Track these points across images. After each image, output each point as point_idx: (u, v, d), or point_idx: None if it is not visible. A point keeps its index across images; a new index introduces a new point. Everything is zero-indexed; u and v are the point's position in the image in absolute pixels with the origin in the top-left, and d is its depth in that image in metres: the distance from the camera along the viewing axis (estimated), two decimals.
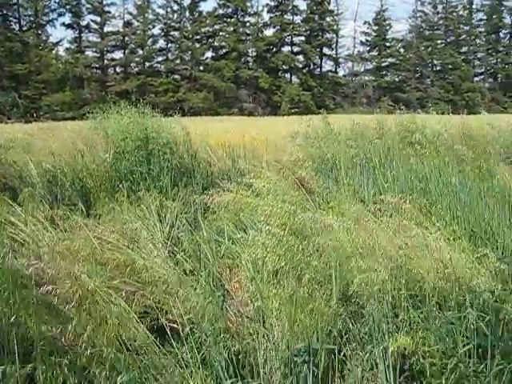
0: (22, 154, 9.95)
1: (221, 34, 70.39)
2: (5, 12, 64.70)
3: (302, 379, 3.19)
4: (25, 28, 65.88)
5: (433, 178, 7.60)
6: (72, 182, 8.76)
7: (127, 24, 67.81)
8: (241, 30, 70.49)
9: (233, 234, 5.36)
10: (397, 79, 72.66)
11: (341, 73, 75.55)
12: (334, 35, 73.23)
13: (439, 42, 75.03)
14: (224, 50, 70.18)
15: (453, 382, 3.12)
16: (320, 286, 3.47)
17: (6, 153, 10.30)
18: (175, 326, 3.62)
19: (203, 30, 69.53)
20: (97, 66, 68.08)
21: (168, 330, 3.55)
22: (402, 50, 74.26)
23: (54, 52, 66.73)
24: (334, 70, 74.45)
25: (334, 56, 73.92)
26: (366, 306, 3.43)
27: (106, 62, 68.44)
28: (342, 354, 3.38)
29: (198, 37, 69.77)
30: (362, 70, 75.51)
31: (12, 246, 5.36)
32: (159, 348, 3.44)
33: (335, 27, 72.80)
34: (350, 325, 3.50)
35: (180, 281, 4.17)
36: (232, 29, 69.91)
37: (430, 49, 73.38)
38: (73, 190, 8.58)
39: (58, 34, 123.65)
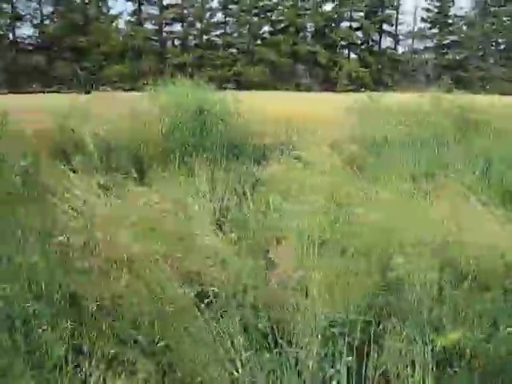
0: (79, 123, 10.18)
1: (279, 7, 69.64)
2: None
3: (337, 350, 3.20)
4: (86, 1, 66.81)
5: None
6: (126, 150, 8.91)
7: None
8: (300, 4, 69.56)
9: (280, 205, 5.37)
10: (458, 57, 70.48)
11: (400, 50, 73.84)
12: (394, 11, 71.40)
13: (505, 18, 72.18)
14: (282, 25, 69.46)
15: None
16: (363, 258, 3.46)
17: (64, 121, 10.56)
18: (218, 292, 3.67)
19: (262, 3, 68.92)
20: (155, 38, 68.55)
21: (211, 297, 3.61)
22: (464, 28, 71.87)
23: (114, 24, 67.50)
24: (393, 46, 72.79)
25: (394, 33, 72.18)
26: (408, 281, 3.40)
27: (164, 34, 68.83)
28: (380, 327, 3.37)
29: (256, 10, 69.24)
30: (422, 47, 73.53)
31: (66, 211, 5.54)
32: (201, 314, 3.50)
33: (395, 3, 70.90)
34: (391, 299, 3.48)
35: (225, 249, 4.23)
36: (291, 3, 69.06)
37: (494, 26, 70.74)
38: (127, 159, 8.73)
39: (119, 6, 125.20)
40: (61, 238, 4.21)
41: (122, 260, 3.99)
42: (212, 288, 3.66)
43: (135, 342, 3.40)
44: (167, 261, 3.87)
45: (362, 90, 42.56)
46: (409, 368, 3.18)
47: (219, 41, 69.55)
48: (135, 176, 7.43)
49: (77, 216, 5.48)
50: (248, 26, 68.48)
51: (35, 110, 12.07)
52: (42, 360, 3.20)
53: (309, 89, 57.51)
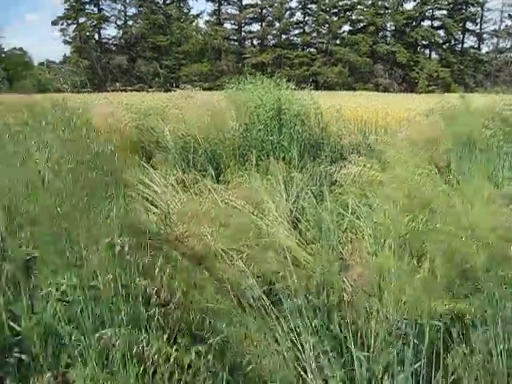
0: (159, 121, 10.39)
1: (359, 7, 69.04)
2: None
3: (407, 355, 3.14)
4: (168, 1, 68.45)
5: None
6: (204, 148, 9.04)
7: None
8: (379, 3, 68.66)
9: (357, 207, 5.30)
10: None
11: (484, 49, 71.51)
12: (479, 8, 69.17)
13: None
14: (361, 24, 68.85)
15: None
16: (442, 263, 3.35)
17: (145, 119, 10.83)
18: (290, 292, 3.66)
19: (341, 3, 68.55)
20: (234, 38, 69.45)
21: (283, 297, 3.60)
22: None
23: (194, 24, 68.90)
24: (476, 46, 70.57)
25: (478, 31, 69.99)
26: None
27: (243, 34, 69.64)
28: (455, 333, 3.27)
29: (335, 10, 68.93)
30: (509, 45, 70.89)
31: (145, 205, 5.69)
32: (273, 311, 3.50)
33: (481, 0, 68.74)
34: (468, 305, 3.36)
35: (300, 248, 4.21)
36: (370, 2, 68.28)
37: None
38: (204, 157, 8.86)
39: (199, 6, 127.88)
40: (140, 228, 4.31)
41: (198, 254, 4.05)
42: (284, 287, 3.65)
43: (202, 339, 3.44)
44: (241, 257, 3.90)
45: (443, 90, 41.42)
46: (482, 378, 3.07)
47: (298, 40, 69.62)
48: (212, 174, 7.54)
49: (154, 210, 5.63)
50: (327, 26, 68.16)
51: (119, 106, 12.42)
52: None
53: (387, 89, 56.56)
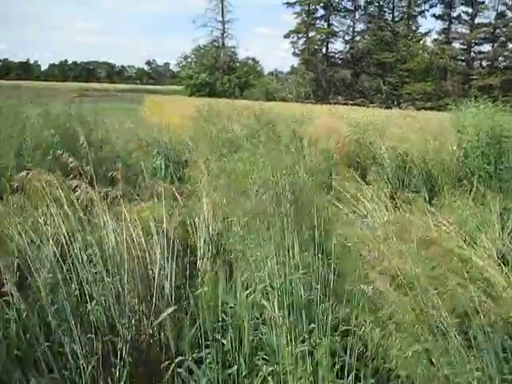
0: (377, 137, 10.58)
1: None
2: (381, 3, 68.15)
3: None
4: (397, 18, 68.27)
5: None
6: (420, 169, 9.03)
7: (500, 15, 64.64)
8: None
9: None
10: None
11: None
12: None
13: None
14: None
15: None
16: None
17: (363, 134, 11.10)
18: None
19: None
20: (462, 58, 66.87)
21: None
22: None
23: (421, 42, 67.73)
24: None
25: None
26: None
27: (472, 54, 66.75)
28: None
29: None
30: None
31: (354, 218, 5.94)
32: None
33: None
34: None
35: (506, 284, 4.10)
36: None
37: None
38: (419, 178, 8.86)
39: (428, 24, 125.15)
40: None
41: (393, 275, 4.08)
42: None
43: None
44: (444, 286, 3.86)
45: None
46: None
47: None
48: (426, 195, 7.54)
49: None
50: None
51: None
52: None
53: None
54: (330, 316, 3.65)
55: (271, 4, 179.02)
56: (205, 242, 4.97)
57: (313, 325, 3.71)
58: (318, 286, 3.90)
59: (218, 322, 3.66)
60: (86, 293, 3.60)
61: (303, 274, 3.91)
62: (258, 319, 3.87)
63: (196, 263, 4.78)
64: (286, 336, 3.55)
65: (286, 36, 69.82)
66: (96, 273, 3.69)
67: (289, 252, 4.04)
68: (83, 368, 3.31)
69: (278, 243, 4.08)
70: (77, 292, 3.64)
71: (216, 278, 3.87)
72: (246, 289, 3.79)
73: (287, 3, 69.28)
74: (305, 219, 4.40)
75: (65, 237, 3.73)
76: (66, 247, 3.71)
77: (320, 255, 4.17)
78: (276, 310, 3.75)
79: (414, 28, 68.70)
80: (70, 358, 3.38)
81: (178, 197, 5.00)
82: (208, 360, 3.52)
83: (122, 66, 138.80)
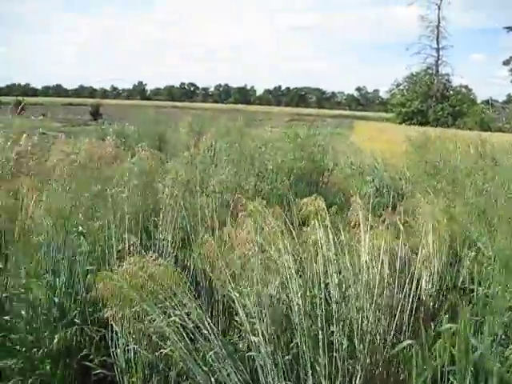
0: None
1: None
2: None
3: None
4: None
5: None
6: None
7: None
8: None
9: None
10: None
11: None
12: None
13: None
14: None
15: None
16: None
17: None
18: None
19: None
20: None
21: None
22: None
23: None
24: None
25: None
26: None
27: None
28: None
29: None
30: None
31: None
32: None
33: None
34: None
35: None
36: None
37: None
38: None
39: None
40: None
41: None
42: None
43: None
44: None
45: None
46: None
47: None
48: None
49: None
50: None
51: None
52: None
53: None
54: None
55: (489, 28, 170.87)
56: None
57: None
58: None
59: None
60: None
61: None
62: None
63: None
64: None
65: (506, 63, 65.40)
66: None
67: None
68: None
69: None
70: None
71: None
72: None
73: (508, 28, 64.70)
74: None
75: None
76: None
77: None
78: None
79: None
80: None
81: (401, 227, 4.72)
82: None
83: (333, 92, 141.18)
